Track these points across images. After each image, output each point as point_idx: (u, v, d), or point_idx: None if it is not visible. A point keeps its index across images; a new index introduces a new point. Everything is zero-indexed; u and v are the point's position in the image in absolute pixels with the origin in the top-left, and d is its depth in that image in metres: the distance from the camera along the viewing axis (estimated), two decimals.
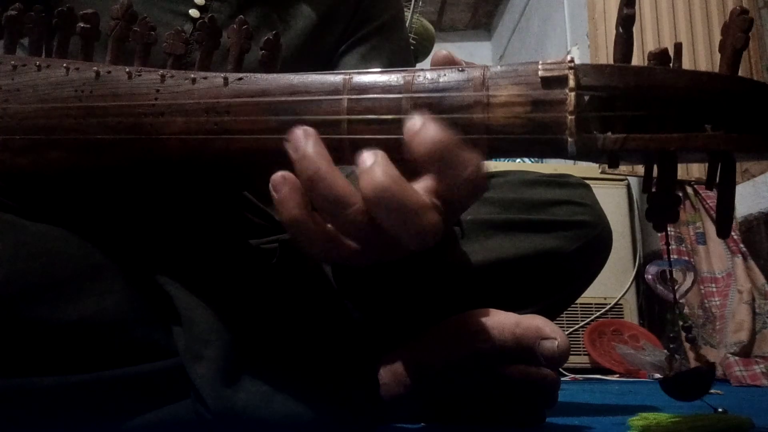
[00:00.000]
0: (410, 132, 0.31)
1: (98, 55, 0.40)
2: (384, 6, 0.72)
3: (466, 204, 0.33)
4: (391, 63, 0.70)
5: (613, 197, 2.06)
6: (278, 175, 0.32)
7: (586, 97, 0.31)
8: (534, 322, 0.48)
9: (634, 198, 2.14)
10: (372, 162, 0.31)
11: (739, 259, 1.73)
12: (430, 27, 2.33)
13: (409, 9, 2.16)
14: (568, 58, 0.31)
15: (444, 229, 0.32)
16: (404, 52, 0.74)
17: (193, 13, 0.59)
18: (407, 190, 0.30)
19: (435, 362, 0.49)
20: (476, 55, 4.39)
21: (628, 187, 2.13)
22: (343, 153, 0.33)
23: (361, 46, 0.70)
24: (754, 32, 1.93)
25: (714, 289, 1.76)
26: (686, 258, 1.82)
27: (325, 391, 0.45)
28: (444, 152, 0.30)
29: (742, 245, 1.76)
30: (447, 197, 0.31)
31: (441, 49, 0.36)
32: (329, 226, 0.33)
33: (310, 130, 0.32)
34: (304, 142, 0.32)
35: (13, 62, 0.40)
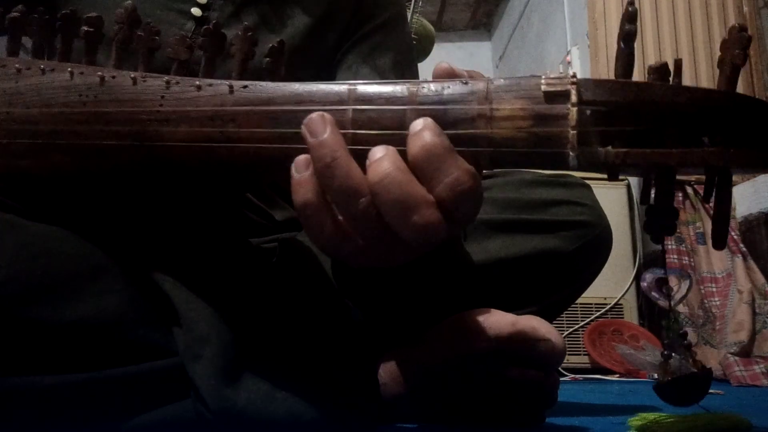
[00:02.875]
0: (410, 133, 0.32)
1: (101, 58, 0.40)
2: (386, 4, 0.72)
3: (468, 214, 0.33)
4: (394, 60, 0.70)
5: (613, 197, 2.06)
6: (303, 158, 0.33)
7: (588, 112, 0.31)
8: (530, 323, 0.48)
9: (634, 198, 2.14)
10: (382, 154, 0.32)
11: (739, 259, 1.73)
12: (430, 27, 2.33)
13: (409, 9, 2.16)
14: (569, 61, 0.32)
15: (447, 235, 0.32)
16: (407, 50, 0.74)
17: (195, 11, 0.59)
18: (411, 181, 0.31)
19: (434, 362, 0.49)
20: (476, 55, 4.39)
21: (628, 187, 2.13)
22: None
23: (363, 44, 0.69)
24: (754, 32, 1.93)
25: (714, 289, 1.76)
26: (686, 259, 1.82)
27: (326, 391, 0.45)
28: (434, 157, 0.31)
29: (742, 245, 1.76)
30: (443, 203, 0.32)
31: (441, 50, 0.37)
32: (340, 218, 0.34)
33: (328, 116, 0.33)
34: (323, 128, 0.33)
35: (17, 65, 0.40)
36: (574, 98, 0.31)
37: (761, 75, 1.92)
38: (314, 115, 0.33)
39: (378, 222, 0.32)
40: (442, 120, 0.33)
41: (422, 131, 0.32)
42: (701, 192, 1.89)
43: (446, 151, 0.31)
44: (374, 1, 0.70)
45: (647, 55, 2.01)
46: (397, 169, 0.31)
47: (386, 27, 0.71)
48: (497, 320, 0.49)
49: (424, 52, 2.25)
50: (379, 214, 0.32)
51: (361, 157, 0.32)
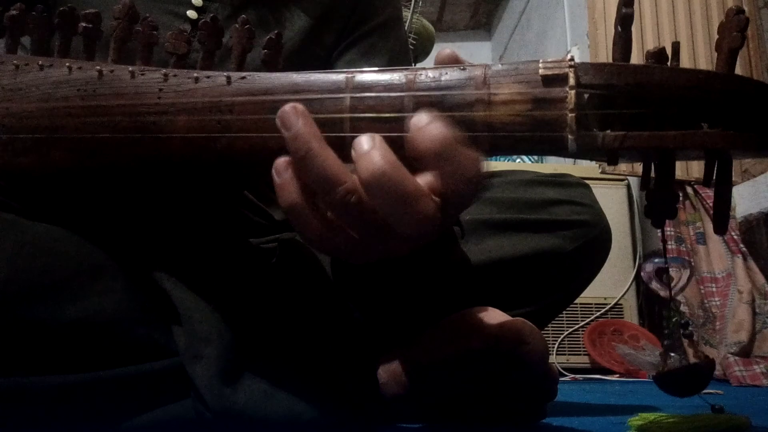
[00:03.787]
0: (416, 127, 0.31)
1: (100, 55, 0.40)
2: (382, 5, 0.72)
3: (466, 202, 0.33)
4: (390, 61, 0.70)
5: (613, 197, 2.06)
6: (281, 160, 0.33)
7: (586, 95, 0.31)
8: (515, 325, 0.48)
9: (634, 198, 2.14)
10: (370, 146, 0.31)
11: (739, 259, 1.73)
12: (430, 27, 2.33)
13: (409, 9, 2.16)
14: (568, 57, 0.32)
15: (442, 224, 0.32)
16: (403, 51, 0.74)
17: (191, 14, 0.60)
18: (405, 176, 0.31)
19: (433, 361, 0.49)
20: (476, 55, 4.38)
21: (628, 187, 2.13)
22: (346, 151, 0.34)
23: (359, 45, 0.70)
24: (754, 32, 1.93)
25: (714, 289, 1.76)
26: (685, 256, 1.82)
27: (325, 391, 0.45)
28: (447, 149, 0.31)
29: (742, 245, 1.76)
30: (446, 194, 0.31)
31: (443, 48, 0.36)
32: (328, 214, 0.33)
33: (300, 107, 0.33)
34: (295, 120, 0.32)
35: (15, 62, 0.40)
36: (572, 81, 0.31)
37: (761, 74, 1.92)
38: (286, 107, 0.33)
39: (362, 209, 0.32)
40: (441, 106, 0.33)
41: (430, 124, 0.31)
42: (701, 192, 1.89)
43: (458, 144, 0.31)
44: (371, 2, 0.70)
45: (646, 43, 2.00)
46: (390, 165, 0.30)
47: (383, 28, 0.71)
48: (491, 320, 0.49)
49: (424, 52, 2.26)
50: (360, 200, 0.32)
51: None
